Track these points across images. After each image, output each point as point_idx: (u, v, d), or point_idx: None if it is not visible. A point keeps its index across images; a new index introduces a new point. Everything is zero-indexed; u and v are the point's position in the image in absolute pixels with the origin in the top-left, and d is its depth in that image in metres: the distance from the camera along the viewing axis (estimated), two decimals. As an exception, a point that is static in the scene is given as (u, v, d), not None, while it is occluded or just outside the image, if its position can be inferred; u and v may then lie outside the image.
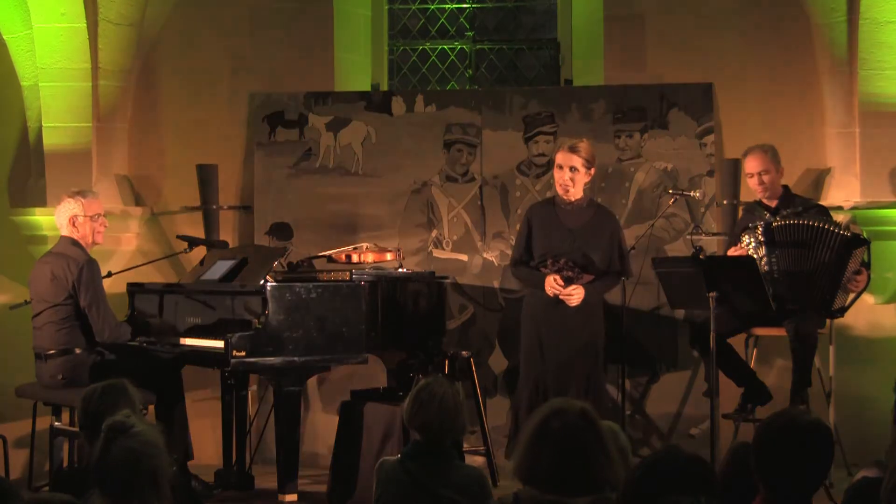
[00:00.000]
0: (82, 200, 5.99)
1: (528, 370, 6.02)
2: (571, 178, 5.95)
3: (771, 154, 6.17)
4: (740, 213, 6.56)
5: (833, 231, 5.84)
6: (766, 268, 5.90)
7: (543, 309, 5.94)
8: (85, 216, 5.98)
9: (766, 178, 6.15)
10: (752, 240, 5.98)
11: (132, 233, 7.20)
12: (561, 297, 5.87)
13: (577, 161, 5.94)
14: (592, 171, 6.03)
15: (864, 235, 6.07)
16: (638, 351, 6.68)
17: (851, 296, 6.00)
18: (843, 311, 6.00)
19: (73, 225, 5.96)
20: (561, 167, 5.97)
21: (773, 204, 6.18)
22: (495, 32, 8.00)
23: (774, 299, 5.73)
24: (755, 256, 5.91)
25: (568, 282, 5.91)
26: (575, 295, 5.86)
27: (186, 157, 7.15)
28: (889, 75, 6.66)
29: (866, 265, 5.91)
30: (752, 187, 6.28)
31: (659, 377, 6.79)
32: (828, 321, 6.19)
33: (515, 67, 7.92)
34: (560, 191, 6.01)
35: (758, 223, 5.99)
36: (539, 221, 6.06)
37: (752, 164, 6.19)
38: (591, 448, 2.98)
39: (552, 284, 5.88)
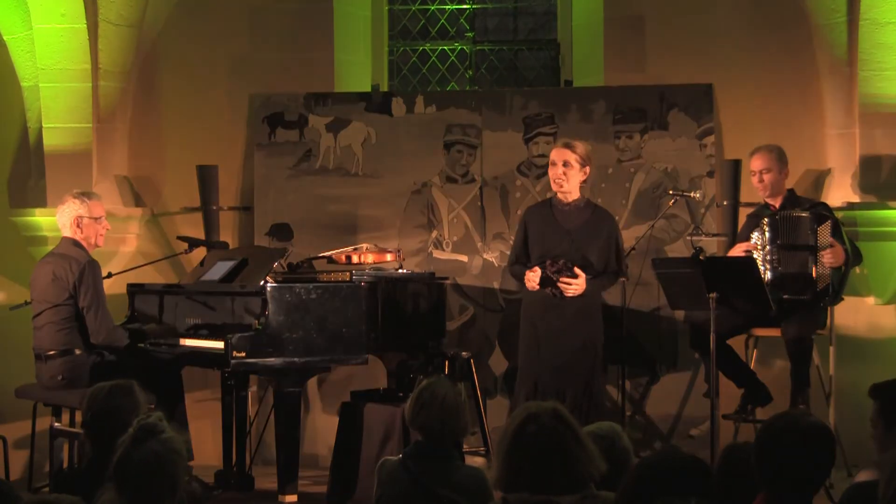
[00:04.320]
0: (87, 202, 5.98)
1: (525, 370, 6.00)
2: (564, 173, 5.92)
3: (776, 154, 6.19)
4: (742, 215, 6.56)
5: (804, 216, 5.96)
6: (769, 263, 5.95)
7: (541, 309, 5.92)
8: (89, 218, 5.98)
9: (766, 176, 6.17)
10: (759, 236, 6.03)
11: (132, 233, 7.20)
12: (560, 286, 5.83)
13: (571, 157, 5.91)
14: (587, 169, 5.98)
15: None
16: (638, 352, 6.68)
17: (834, 275, 6.00)
18: (827, 292, 5.97)
19: (77, 226, 5.96)
20: (554, 163, 5.96)
21: (777, 204, 6.19)
22: (495, 33, 8.00)
23: (775, 292, 5.75)
24: (762, 251, 5.95)
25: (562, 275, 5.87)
26: (573, 285, 5.83)
27: (186, 158, 7.15)
28: (889, 76, 6.66)
29: (841, 242, 5.95)
30: (754, 185, 6.30)
31: (659, 378, 6.79)
32: (828, 321, 6.20)
33: (515, 68, 7.92)
34: (554, 187, 5.99)
35: (764, 219, 6.03)
36: (536, 223, 6.04)
37: (755, 162, 6.23)
38: (568, 447, 3.00)
39: (530, 278, 5.86)
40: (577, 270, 5.81)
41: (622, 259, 6.03)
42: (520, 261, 6.07)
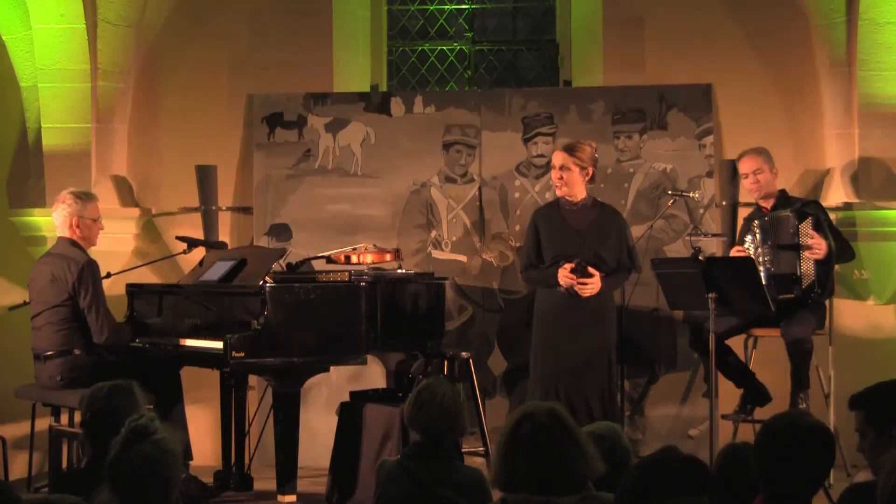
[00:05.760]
0: (86, 203, 5.97)
1: (538, 371, 5.98)
2: (561, 176, 5.94)
3: (764, 155, 6.23)
4: (742, 214, 6.57)
5: (787, 215, 5.98)
6: (762, 265, 5.96)
7: (554, 310, 5.92)
8: (86, 219, 5.97)
9: (760, 176, 6.20)
10: (752, 239, 6.05)
11: (131, 234, 7.20)
12: (575, 287, 5.84)
13: (569, 160, 5.93)
14: (590, 171, 5.99)
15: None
16: (637, 352, 6.68)
17: (821, 272, 6.01)
18: (813, 288, 5.97)
19: (74, 226, 5.95)
20: (553, 166, 5.99)
21: (769, 205, 6.21)
22: (494, 33, 8.00)
23: (770, 293, 5.77)
24: (754, 255, 5.98)
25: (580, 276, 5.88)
26: (589, 285, 5.83)
27: (185, 158, 7.14)
28: (888, 76, 6.67)
29: (825, 236, 5.95)
30: (747, 188, 6.32)
31: (658, 378, 6.79)
32: (827, 321, 6.21)
33: (514, 68, 7.92)
34: (555, 188, 6.02)
35: (755, 222, 6.04)
36: (546, 225, 6.04)
37: (745, 165, 6.26)
38: (564, 446, 3.00)
39: (565, 274, 5.85)
40: (591, 270, 5.83)
41: (633, 253, 6.05)
42: (533, 264, 6.06)
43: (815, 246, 5.91)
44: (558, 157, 5.96)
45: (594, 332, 5.87)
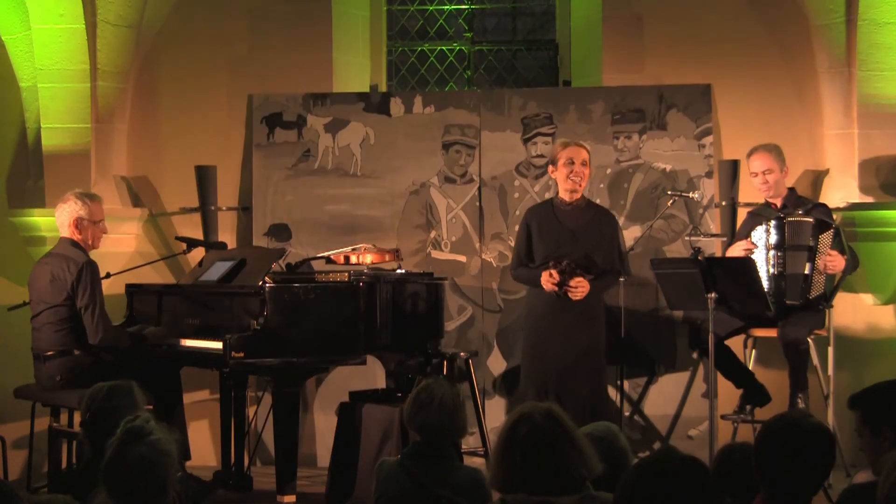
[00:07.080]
0: (89, 204, 5.97)
1: (529, 373, 5.99)
2: (583, 172, 5.96)
3: (776, 153, 6.21)
4: (741, 215, 6.56)
5: (808, 221, 5.97)
6: (773, 267, 5.95)
7: (545, 311, 5.92)
8: (89, 221, 5.97)
9: (770, 177, 6.19)
10: (763, 236, 6.03)
11: (131, 234, 7.20)
12: (566, 290, 5.84)
13: (587, 156, 6.00)
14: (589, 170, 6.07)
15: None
16: (636, 352, 6.68)
17: (829, 283, 6.01)
18: (820, 301, 5.99)
19: (76, 227, 5.95)
20: (573, 161, 5.95)
21: (779, 203, 6.21)
22: (494, 33, 8.00)
23: (775, 296, 5.77)
24: (764, 253, 5.97)
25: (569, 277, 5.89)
26: (579, 288, 5.83)
27: (185, 158, 7.14)
28: (887, 76, 6.67)
29: (841, 250, 5.99)
30: (756, 186, 6.30)
31: (657, 378, 6.79)
32: (826, 321, 6.21)
33: (514, 68, 7.92)
34: (570, 185, 5.97)
35: (771, 221, 6.04)
36: (539, 224, 6.05)
37: (756, 163, 6.24)
38: (561, 447, 3.01)
39: (547, 279, 5.86)
40: (579, 275, 5.83)
41: (624, 257, 6.05)
42: (523, 263, 6.07)
43: (833, 260, 5.92)
44: (579, 153, 5.96)
45: (584, 334, 5.87)
